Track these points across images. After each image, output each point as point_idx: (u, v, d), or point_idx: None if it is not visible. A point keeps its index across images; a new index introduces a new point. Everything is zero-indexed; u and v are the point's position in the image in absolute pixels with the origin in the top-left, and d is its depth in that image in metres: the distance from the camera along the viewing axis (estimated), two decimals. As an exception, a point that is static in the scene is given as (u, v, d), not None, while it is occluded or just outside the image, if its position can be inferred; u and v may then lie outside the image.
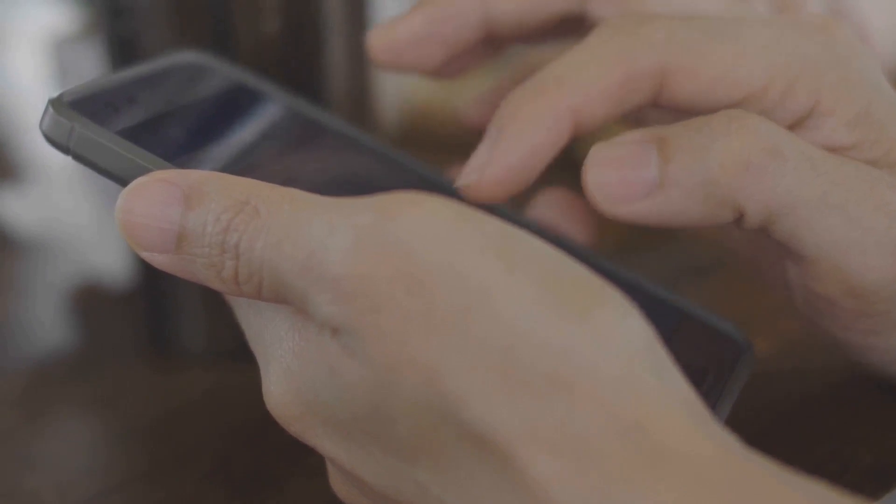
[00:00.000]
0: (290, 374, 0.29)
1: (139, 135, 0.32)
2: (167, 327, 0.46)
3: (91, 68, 0.48)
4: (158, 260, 0.30)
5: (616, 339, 0.26)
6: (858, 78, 0.34)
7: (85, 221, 0.54)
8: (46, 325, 0.50)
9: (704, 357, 0.34)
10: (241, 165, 0.34)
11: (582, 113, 0.33)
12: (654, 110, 0.37)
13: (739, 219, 0.32)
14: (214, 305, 0.42)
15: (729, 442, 0.26)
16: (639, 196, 0.32)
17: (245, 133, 0.35)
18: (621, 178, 0.32)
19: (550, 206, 0.38)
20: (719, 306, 0.38)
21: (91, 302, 0.51)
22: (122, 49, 0.42)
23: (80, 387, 0.44)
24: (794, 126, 0.34)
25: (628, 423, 0.25)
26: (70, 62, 0.53)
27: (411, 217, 0.27)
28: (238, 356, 0.38)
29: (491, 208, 0.35)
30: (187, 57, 0.37)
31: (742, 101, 0.34)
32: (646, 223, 0.33)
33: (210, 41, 0.40)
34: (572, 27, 0.39)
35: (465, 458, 0.27)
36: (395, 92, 0.62)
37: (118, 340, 0.48)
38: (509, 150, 0.33)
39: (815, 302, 0.34)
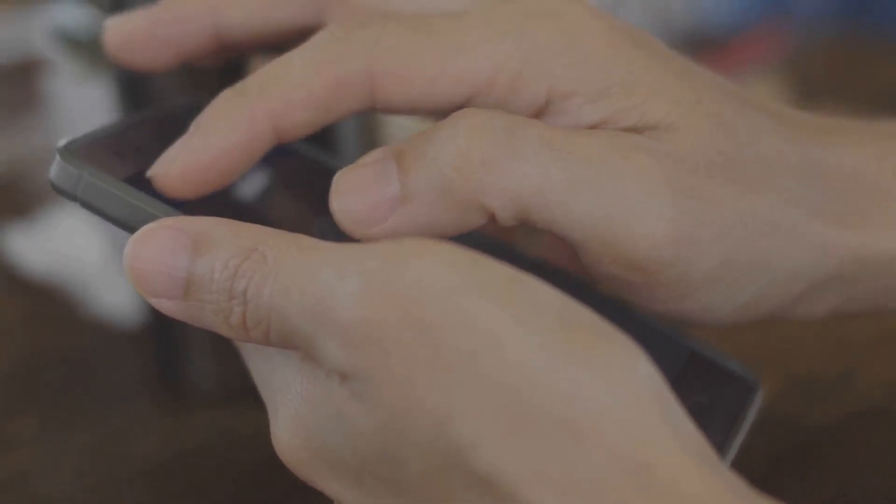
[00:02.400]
0: (299, 418, 0.30)
1: (147, 182, 0.32)
2: (177, 368, 0.46)
3: (100, 112, 0.49)
4: (167, 306, 0.31)
5: (624, 384, 0.26)
6: (591, 53, 0.32)
7: (96, 261, 0.55)
8: (56, 365, 0.50)
9: (712, 396, 0.34)
10: (248, 211, 0.34)
11: (283, 118, 0.32)
12: None
13: (492, 218, 0.31)
14: (224, 346, 0.42)
15: (736, 484, 0.26)
16: (386, 215, 0.31)
17: (253, 178, 0.36)
18: (365, 201, 0.31)
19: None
20: (726, 344, 0.38)
21: (101, 342, 0.51)
22: (132, 93, 0.43)
23: (89, 427, 0.45)
24: (537, 116, 0.33)
25: (636, 466, 0.25)
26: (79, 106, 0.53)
27: (419, 262, 0.27)
28: (248, 397, 0.38)
29: (498, 250, 0.35)
30: (194, 103, 0.37)
31: (470, 99, 0.33)
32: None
33: (219, 84, 0.40)
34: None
35: (475, 502, 0.27)
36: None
37: (128, 381, 0.48)
38: (199, 148, 0.32)
39: (609, 283, 0.33)
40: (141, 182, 0.32)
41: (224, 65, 0.40)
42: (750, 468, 0.29)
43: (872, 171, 0.35)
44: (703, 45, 0.76)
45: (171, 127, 0.36)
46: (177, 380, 0.46)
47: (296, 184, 0.37)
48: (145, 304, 0.46)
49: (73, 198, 0.32)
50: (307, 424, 0.29)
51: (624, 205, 0.31)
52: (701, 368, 0.35)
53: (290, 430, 0.30)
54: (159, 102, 0.40)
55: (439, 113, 0.33)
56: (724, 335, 0.43)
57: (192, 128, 0.33)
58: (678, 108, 0.32)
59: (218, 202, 0.33)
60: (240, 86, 0.33)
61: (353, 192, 0.31)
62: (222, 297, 0.30)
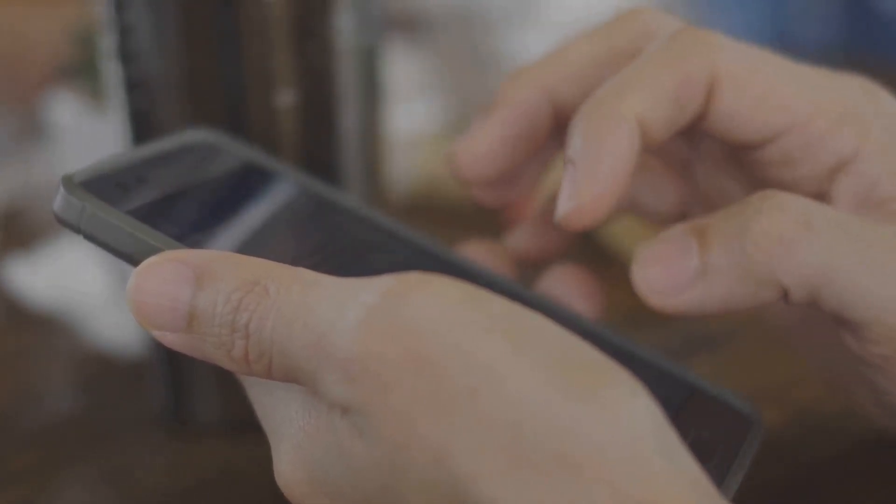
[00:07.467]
0: (301, 452, 0.30)
1: (150, 214, 0.32)
2: (180, 401, 0.46)
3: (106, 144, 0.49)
4: (169, 339, 0.31)
5: (624, 420, 0.26)
6: None
7: (99, 293, 0.55)
8: (59, 397, 0.50)
9: (713, 430, 0.34)
10: (251, 244, 0.34)
11: (647, 119, 0.34)
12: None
13: (785, 296, 0.33)
14: (227, 379, 0.42)
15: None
16: (685, 287, 0.33)
17: (256, 212, 0.36)
18: (666, 273, 0.33)
19: (558, 282, 0.38)
20: (729, 377, 0.38)
21: (104, 374, 0.51)
22: (137, 124, 0.43)
23: (92, 460, 0.44)
24: (838, 168, 0.34)
25: (636, 502, 0.25)
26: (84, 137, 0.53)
27: (419, 297, 0.27)
28: (251, 430, 0.38)
29: (499, 286, 0.35)
30: (199, 135, 0.37)
31: (786, 130, 0.34)
32: (697, 313, 0.33)
33: (224, 115, 0.41)
34: None
35: (475, 537, 0.26)
36: (406, 164, 0.62)
37: (131, 414, 0.48)
38: (594, 174, 0.33)
39: (875, 362, 0.34)
40: (145, 214, 0.32)
41: (228, 97, 0.41)
42: (752, 503, 0.28)
43: None
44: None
45: (177, 159, 0.36)
46: (180, 413, 0.46)
47: (299, 217, 0.37)
48: (148, 336, 0.46)
49: (76, 229, 0.32)
50: (309, 458, 0.29)
51: None
52: (701, 403, 0.35)
53: (292, 464, 0.30)
54: (165, 134, 0.40)
55: (752, 143, 0.35)
56: (725, 367, 0.43)
57: (577, 156, 0.33)
58: None
59: (222, 235, 0.34)
60: (595, 98, 0.34)
61: (654, 264, 0.33)
62: (224, 330, 0.30)
